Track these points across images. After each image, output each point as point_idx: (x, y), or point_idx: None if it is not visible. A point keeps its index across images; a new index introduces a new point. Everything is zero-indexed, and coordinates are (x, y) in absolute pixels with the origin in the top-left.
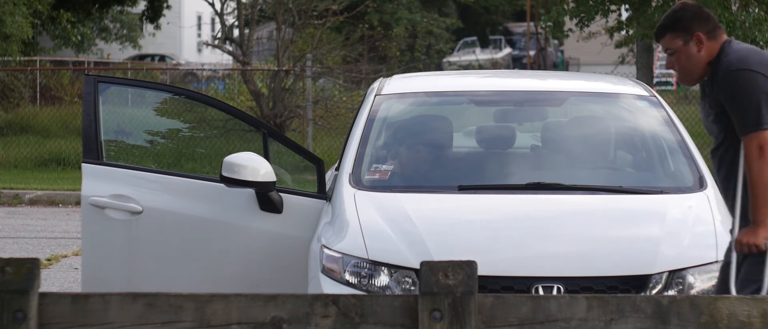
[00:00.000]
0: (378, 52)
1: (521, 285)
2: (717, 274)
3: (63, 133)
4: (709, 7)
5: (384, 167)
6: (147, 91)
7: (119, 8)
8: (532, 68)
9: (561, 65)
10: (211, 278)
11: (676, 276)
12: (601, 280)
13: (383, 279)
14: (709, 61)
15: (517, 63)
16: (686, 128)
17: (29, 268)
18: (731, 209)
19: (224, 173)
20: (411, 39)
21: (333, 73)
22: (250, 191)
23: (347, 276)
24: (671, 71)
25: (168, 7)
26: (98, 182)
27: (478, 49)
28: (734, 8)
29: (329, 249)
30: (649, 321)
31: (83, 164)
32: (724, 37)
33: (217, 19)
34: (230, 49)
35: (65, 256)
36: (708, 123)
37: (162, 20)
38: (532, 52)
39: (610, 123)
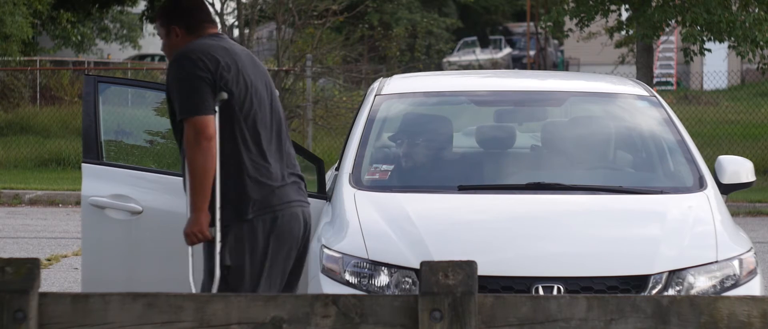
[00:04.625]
0: (378, 52)
1: (521, 285)
2: (717, 274)
3: (63, 133)
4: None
5: (384, 167)
6: (147, 91)
7: (119, 8)
8: (532, 68)
9: (561, 65)
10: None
11: (676, 276)
12: (601, 280)
13: (383, 279)
14: None
15: (517, 63)
16: (686, 128)
17: (29, 268)
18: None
19: None
20: (411, 39)
21: (333, 73)
22: None
23: (347, 276)
24: (671, 71)
25: None
26: (98, 182)
27: (478, 49)
28: (734, 8)
29: (329, 248)
30: (649, 321)
31: (83, 164)
32: (212, 32)
33: (217, 19)
34: None
35: (65, 256)
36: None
37: None
38: (532, 52)
39: (609, 123)
